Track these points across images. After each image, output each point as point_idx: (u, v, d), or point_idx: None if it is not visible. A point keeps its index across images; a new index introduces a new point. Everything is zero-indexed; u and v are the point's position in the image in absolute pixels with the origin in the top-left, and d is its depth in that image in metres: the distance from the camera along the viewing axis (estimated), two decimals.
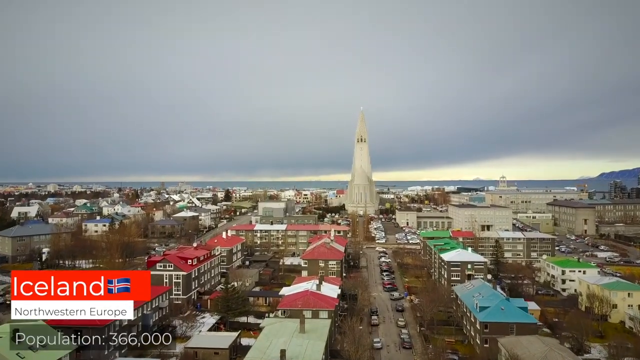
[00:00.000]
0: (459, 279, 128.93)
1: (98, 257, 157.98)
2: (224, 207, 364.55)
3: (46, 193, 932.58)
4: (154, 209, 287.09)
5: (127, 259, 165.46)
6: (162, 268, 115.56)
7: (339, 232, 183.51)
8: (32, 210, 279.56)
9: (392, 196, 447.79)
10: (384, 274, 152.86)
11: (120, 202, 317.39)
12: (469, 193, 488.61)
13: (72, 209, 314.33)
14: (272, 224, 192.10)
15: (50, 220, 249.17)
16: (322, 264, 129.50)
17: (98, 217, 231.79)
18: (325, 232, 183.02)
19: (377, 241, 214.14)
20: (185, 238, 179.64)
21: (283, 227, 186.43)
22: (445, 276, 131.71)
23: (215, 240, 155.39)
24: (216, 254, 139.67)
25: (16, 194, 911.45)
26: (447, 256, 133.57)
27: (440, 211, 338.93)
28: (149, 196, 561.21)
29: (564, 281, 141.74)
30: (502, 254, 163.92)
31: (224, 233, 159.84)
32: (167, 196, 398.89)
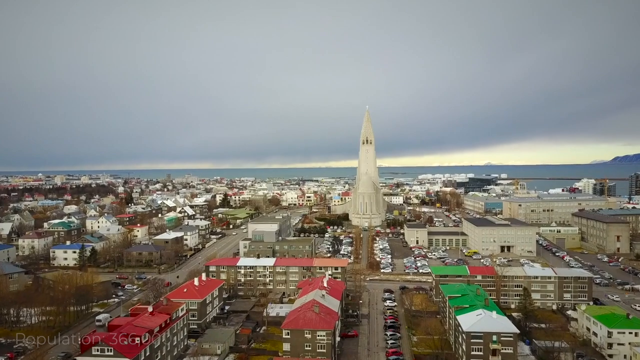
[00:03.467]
0: (482, 353, 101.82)
1: (53, 304, 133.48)
2: (219, 215, 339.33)
3: (51, 187, 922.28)
4: (138, 225, 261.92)
5: (86, 307, 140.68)
6: (98, 353, 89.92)
7: (336, 268, 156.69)
8: (6, 227, 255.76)
9: (400, 200, 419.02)
10: (388, 331, 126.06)
11: (105, 214, 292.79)
12: (483, 194, 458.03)
13: (55, 220, 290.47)
14: (258, 256, 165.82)
15: (20, 242, 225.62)
16: (308, 335, 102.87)
17: (68, 242, 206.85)
18: (321, 268, 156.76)
19: (382, 270, 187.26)
20: (158, 283, 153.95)
21: (271, 262, 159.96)
22: (464, 347, 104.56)
23: (185, 290, 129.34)
24: (180, 314, 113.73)
25: (20, 187, 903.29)
26: (466, 322, 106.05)
27: (454, 220, 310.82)
28: (148, 196, 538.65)
29: (610, 345, 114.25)
30: (531, 302, 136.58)
31: (196, 280, 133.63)
32: (159, 202, 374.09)
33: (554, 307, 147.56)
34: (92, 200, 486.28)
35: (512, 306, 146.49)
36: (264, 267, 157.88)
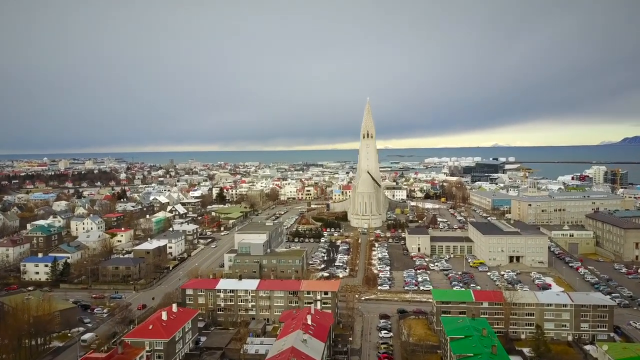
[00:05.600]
0: None
1: (5, 338, 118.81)
2: (212, 213, 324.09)
3: (53, 173, 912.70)
4: (122, 229, 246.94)
5: (44, 340, 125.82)
6: None
7: (326, 293, 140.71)
8: None
9: (404, 194, 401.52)
10: None
11: (91, 215, 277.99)
12: (490, 187, 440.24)
13: (40, 221, 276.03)
14: (240, 278, 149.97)
15: None
16: None
17: (40, 255, 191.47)
18: (309, 293, 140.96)
19: (379, 287, 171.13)
20: (125, 314, 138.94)
21: (254, 285, 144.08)
22: None
23: (150, 327, 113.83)
24: None
25: (22, 174, 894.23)
26: None
27: (459, 220, 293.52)
28: (145, 187, 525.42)
29: None
30: (544, 338, 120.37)
31: (164, 313, 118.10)
32: (152, 198, 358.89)
33: (570, 338, 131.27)
34: (86, 193, 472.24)
35: (523, 336, 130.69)
36: (246, 291, 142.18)
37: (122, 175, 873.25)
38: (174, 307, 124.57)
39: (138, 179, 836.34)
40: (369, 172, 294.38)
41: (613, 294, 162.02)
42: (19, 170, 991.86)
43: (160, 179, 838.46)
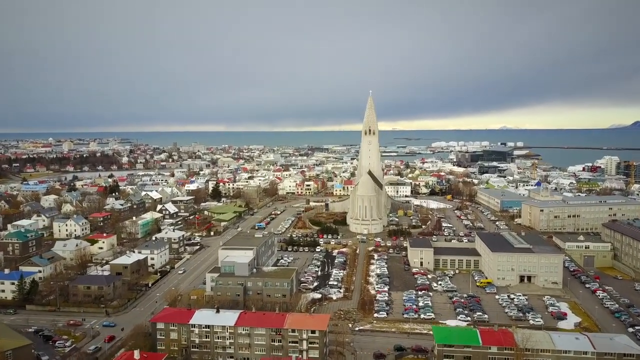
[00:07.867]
0: None
1: None
2: (204, 211, 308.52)
3: (55, 156, 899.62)
4: (104, 235, 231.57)
5: None
6: None
7: (313, 332, 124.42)
8: None
9: (408, 190, 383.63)
10: None
11: (75, 216, 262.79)
12: (499, 183, 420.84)
13: (23, 221, 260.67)
14: (218, 310, 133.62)
15: None
16: None
17: (7, 271, 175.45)
18: (294, 331, 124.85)
19: (375, 315, 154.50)
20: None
21: (232, 319, 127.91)
22: None
23: None
24: None
25: (24, 157, 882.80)
26: None
27: (465, 225, 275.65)
28: (141, 179, 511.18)
29: None
30: None
31: None
32: (143, 194, 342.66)
33: None
34: (81, 184, 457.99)
35: None
36: (223, 327, 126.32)
37: (125, 159, 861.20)
38: (136, 354, 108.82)
39: (140, 162, 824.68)
40: (370, 173, 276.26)
41: (636, 327, 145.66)
42: (22, 152, 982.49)
43: (162, 163, 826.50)
